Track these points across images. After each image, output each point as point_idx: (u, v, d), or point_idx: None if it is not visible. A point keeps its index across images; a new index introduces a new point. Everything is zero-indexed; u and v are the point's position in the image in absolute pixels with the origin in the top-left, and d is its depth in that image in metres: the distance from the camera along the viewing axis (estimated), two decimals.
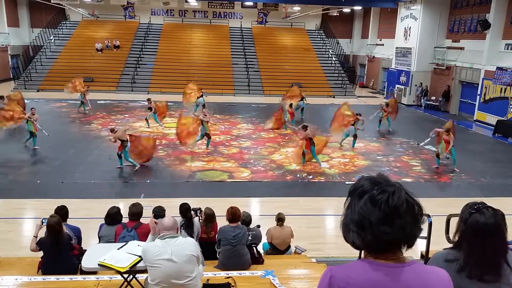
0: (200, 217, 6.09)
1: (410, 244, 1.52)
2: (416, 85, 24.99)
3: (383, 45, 30.94)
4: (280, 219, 6.44)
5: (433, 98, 24.14)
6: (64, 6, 30.93)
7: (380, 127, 17.57)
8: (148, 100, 17.41)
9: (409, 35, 25.13)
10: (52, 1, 28.59)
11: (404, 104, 24.62)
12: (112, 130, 11.70)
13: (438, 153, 12.31)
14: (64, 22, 32.74)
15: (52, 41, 30.41)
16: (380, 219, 1.46)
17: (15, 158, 12.49)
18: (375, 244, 1.48)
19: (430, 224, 4.28)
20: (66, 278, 4.63)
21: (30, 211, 9.15)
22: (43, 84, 25.90)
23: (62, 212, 5.53)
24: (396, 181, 1.55)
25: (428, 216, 3.89)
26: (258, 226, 6.43)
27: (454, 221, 2.41)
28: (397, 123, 17.73)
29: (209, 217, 5.99)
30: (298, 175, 11.68)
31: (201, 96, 19.65)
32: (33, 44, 31.63)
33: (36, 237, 5.06)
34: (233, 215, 5.42)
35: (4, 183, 10.43)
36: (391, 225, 1.46)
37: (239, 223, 5.48)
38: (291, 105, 18.02)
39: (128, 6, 33.06)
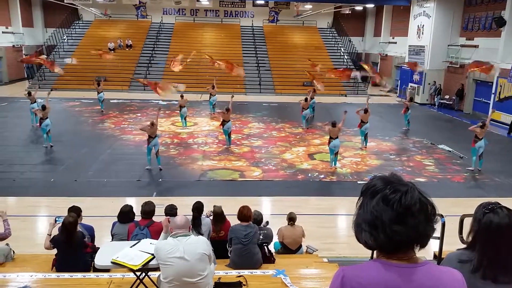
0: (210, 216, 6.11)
1: (423, 244, 1.51)
2: (429, 84, 24.74)
3: (395, 43, 30.67)
4: (291, 219, 6.43)
5: (447, 96, 23.86)
6: (77, 6, 31.26)
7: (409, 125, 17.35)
8: (181, 96, 17.00)
9: (422, 33, 24.87)
10: (65, 1, 28.91)
11: (418, 103, 24.38)
12: (152, 124, 11.44)
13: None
14: (77, 22, 33.08)
15: (65, 40, 30.74)
16: (392, 218, 1.45)
17: (30, 157, 12.67)
18: (387, 244, 1.47)
19: (443, 224, 4.24)
20: (79, 275, 4.69)
21: (44, 209, 9.28)
22: (56, 83, 26.18)
23: (76, 212, 5.60)
24: (409, 181, 1.54)
25: (441, 216, 3.84)
26: (267, 223, 6.44)
27: (467, 222, 2.39)
28: (411, 122, 17.54)
29: (218, 215, 6.00)
30: (309, 175, 11.65)
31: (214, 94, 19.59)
32: (46, 44, 32.02)
33: (50, 235, 5.13)
34: (244, 214, 5.42)
35: (19, 181, 10.59)
36: (404, 224, 1.45)
37: (251, 222, 5.49)
38: (306, 99, 17.66)
39: (140, 5, 33.29)
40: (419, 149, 14.49)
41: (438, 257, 4.35)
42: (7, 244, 5.87)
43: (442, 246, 4.27)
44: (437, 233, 2.52)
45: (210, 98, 19.53)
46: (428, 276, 1.48)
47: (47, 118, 13.25)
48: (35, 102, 15.95)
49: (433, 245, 4.73)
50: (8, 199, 9.51)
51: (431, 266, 1.52)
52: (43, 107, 13.29)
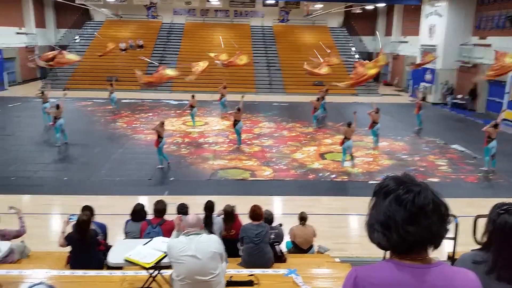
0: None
1: (437, 245, 1.51)
2: (441, 83, 24.50)
3: (407, 42, 30.43)
4: (302, 218, 6.43)
5: (460, 96, 23.60)
6: (88, 6, 31.54)
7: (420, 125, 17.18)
8: (192, 96, 17.12)
9: (434, 32, 24.64)
10: (76, 2, 29.19)
11: (430, 103, 24.18)
12: (162, 124, 11.74)
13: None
14: (89, 22, 33.37)
15: (77, 41, 31.05)
16: (405, 219, 1.45)
17: (43, 156, 12.83)
18: (400, 244, 1.47)
19: (456, 225, 4.21)
20: (93, 272, 4.75)
21: (58, 207, 9.40)
22: (68, 83, 26.46)
23: (89, 211, 5.67)
24: (421, 181, 1.54)
25: (455, 216, 3.82)
26: (280, 225, 6.44)
27: (482, 222, 2.37)
28: (423, 121, 17.39)
29: (229, 214, 6.01)
30: (320, 174, 11.62)
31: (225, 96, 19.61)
32: (59, 44, 32.32)
33: (64, 233, 5.20)
34: (256, 213, 5.44)
35: (33, 180, 10.74)
36: (417, 225, 1.44)
37: (262, 221, 5.50)
38: (318, 98, 17.61)
39: (151, 6, 33.46)
40: (432, 149, 14.37)
41: (451, 258, 4.33)
42: (22, 241, 5.97)
43: (456, 247, 4.25)
44: (450, 234, 2.51)
45: (221, 98, 19.55)
46: (442, 277, 1.48)
47: (61, 117, 13.41)
48: (47, 102, 16.15)
49: (446, 246, 4.71)
50: (22, 197, 9.65)
51: (445, 267, 1.52)
52: (57, 107, 13.44)
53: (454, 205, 1.75)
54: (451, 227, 1.55)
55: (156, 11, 33.89)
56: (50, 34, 33.94)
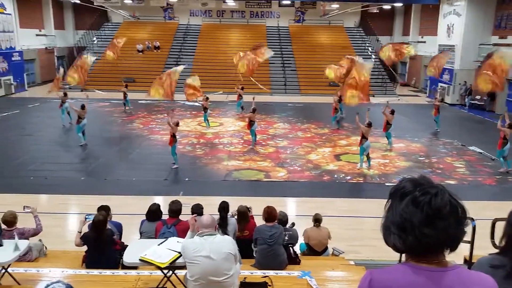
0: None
1: (453, 248, 1.48)
2: (459, 84, 24.13)
3: (425, 42, 30.06)
4: (317, 220, 6.39)
5: (478, 97, 23.20)
6: (106, 8, 31.98)
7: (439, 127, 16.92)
8: (206, 98, 17.18)
9: (452, 32, 24.29)
10: (94, 4, 29.61)
11: (448, 103, 23.84)
12: (177, 124, 11.87)
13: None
14: (106, 24, 33.82)
15: (95, 42, 31.49)
16: (422, 221, 1.43)
17: (61, 156, 13.04)
18: (417, 247, 1.45)
19: (474, 228, 4.13)
20: (108, 272, 4.80)
21: (75, 207, 9.53)
22: (86, 84, 26.77)
23: (106, 210, 5.73)
24: (439, 183, 1.51)
25: (472, 219, 3.75)
26: (293, 225, 6.42)
27: (500, 226, 2.32)
28: (441, 123, 17.13)
29: (242, 215, 6.00)
30: (335, 176, 11.55)
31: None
32: (77, 46, 32.89)
33: (80, 232, 5.27)
34: (270, 214, 5.42)
35: (51, 180, 10.92)
36: (434, 227, 1.42)
37: (276, 222, 5.48)
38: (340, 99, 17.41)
39: (167, 7, 33.77)
40: (449, 151, 14.16)
41: (468, 262, 4.25)
42: (40, 240, 6.07)
43: (473, 250, 4.17)
44: (467, 237, 2.46)
45: (239, 99, 19.57)
46: (459, 281, 1.45)
47: (84, 118, 13.65)
48: (66, 102, 16.42)
49: (463, 249, 4.63)
50: (40, 197, 9.81)
51: (462, 270, 1.49)
52: (83, 107, 13.74)
53: (472, 207, 1.71)
54: (468, 230, 1.52)
55: (173, 12, 34.18)
56: (69, 35, 34.53)
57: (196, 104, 18.65)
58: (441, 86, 25.13)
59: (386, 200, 1.56)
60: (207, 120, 17.21)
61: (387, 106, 14.11)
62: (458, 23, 23.61)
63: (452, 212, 1.45)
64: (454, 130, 17.33)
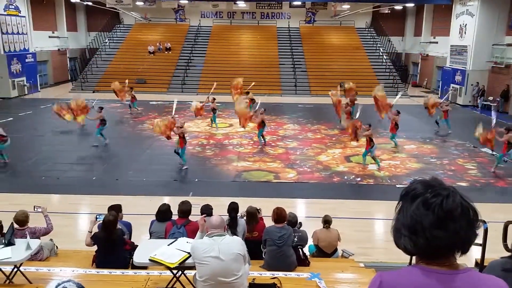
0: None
1: (465, 250, 1.46)
2: (472, 85, 23.85)
3: (437, 43, 29.80)
4: (326, 222, 6.36)
5: (491, 98, 22.91)
6: (118, 10, 32.25)
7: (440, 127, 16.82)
8: (213, 99, 17.36)
9: (465, 32, 24.03)
10: (107, 6, 29.89)
11: (460, 105, 23.58)
12: (181, 126, 11.99)
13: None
14: (118, 26, 34.11)
15: (107, 44, 31.77)
16: (433, 223, 1.41)
17: (73, 156, 13.16)
18: (427, 249, 1.44)
19: (485, 231, 4.08)
20: (118, 272, 4.83)
21: (86, 207, 9.61)
22: (98, 85, 27.08)
23: (117, 210, 5.77)
24: (450, 185, 1.49)
25: (484, 222, 3.70)
26: (300, 225, 6.40)
27: None
28: (452, 124, 16.97)
29: (251, 215, 5.99)
30: (345, 177, 11.49)
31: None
32: (89, 47, 33.20)
33: (91, 232, 5.31)
34: (279, 215, 5.40)
35: (62, 180, 11.02)
36: (445, 229, 1.41)
37: (285, 224, 5.47)
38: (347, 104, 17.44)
39: (179, 9, 33.96)
40: (461, 152, 14.00)
41: (480, 265, 4.20)
42: (51, 240, 6.14)
43: (485, 253, 4.11)
44: (479, 240, 2.42)
45: (251, 103, 19.53)
46: (470, 284, 1.43)
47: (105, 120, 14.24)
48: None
49: (474, 252, 4.57)
50: (52, 197, 9.91)
51: (473, 273, 1.47)
52: (101, 109, 14.31)
53: (483, 210, 1.69)
54: (479, 232, 1.49)
55: (184, 14, 34.35)
56: (81, 37, 34.89)
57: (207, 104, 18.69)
58: (453, 87, 24.89)
59: (397, 202, 1.54)
60: (215, 122, 17.26)
61: (390, 111, 14.13)
62: (471, 23, 23.35)
63: (464, 214, 1.43)
64: (466, 132, 17.10)
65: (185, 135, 12.04)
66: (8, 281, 4.48)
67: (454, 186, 1.49)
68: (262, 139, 14.57)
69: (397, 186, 10.58)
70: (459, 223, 1.41)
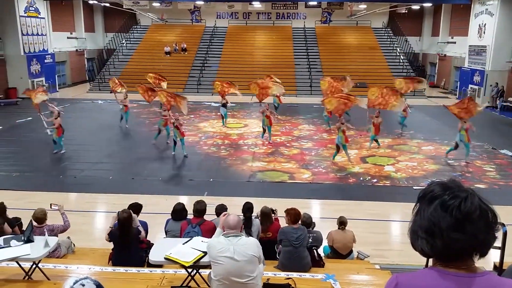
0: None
1: (483, 253, 1.44)
2: (491, 85, 23.43)
3: (455, 43, 29.37)
4: (342, 223, 6.32)
5: (510, 99, 22.49)
6: (135, 11, 32.60)
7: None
8: (223, 99, 17.68)
9: (484, 32, 23.63)
10: (124, 7, 30.24)
11: None
12: (177, 118, 13.20)
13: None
14: (135, 27, 34.48)
15: (124, 45, 32.14)
16: (451, 225, 1.39)
17: (90, 155, 13.34)
18: (445, 252, 1.42)
19: (504, 234, 4.00)
20: (134, 270, 4.87)
21: (102, 205, 9.74)
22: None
23: (135, 208, 5.83)
24: (468, 187, 1.47)
25: (503, 225, 3.63)
26: (314, 225, 6.37)
27: None
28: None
29: (265, 215, 5.98)
30: (361, 178, 11.40)
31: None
32: (106, 48, 33.62)
33: (112, 227, 5.37)
34: (297, 216, 5.39)
35: (79, 178, 11.18)
36: (463, 232, 1.39)
37: (300, 224, 5.45)
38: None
39: (195, 10, 34.18)
40: (479, 154, 13.77)
41: (498, 268, 4.13)
42: (68, 237, 6.23)
43: (504, 257, 4.04)
44: (497, 243, 2.38)
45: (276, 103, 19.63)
46: (488, 287, 1.41)
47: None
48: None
49: (493, 255, 4.49)
50: (69, 195, 10.07)
51: (492, 277, 1.45)
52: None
53: (503, 213, 1.66)
54: (498, 235, 1.47)
55: (200, 15, 34.54)
56: (99, 38, 35.37)
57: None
58: (471, 87, 24.50)
59: (414, 204, 1.53)
60: (226, 118, 17.62)
61: (373, 115, 13.95)
62: (491, 23, 22.95)
63: (482, 216, 1.41)
64: (484, 133, 16.81)
65: (181, 126, 13.14)
66: (27, 277, 4.57)
67: (472, 188, 1.47)
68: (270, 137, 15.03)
69: (414, 188, 10.45)
70: (477, 225, 1.39)
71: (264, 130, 15.21)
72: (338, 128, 12.34)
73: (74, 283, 1.78)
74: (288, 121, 18.73)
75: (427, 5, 29.60)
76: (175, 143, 13.14)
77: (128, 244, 5.18)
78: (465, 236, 1.38)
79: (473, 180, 11.16)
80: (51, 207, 5.70)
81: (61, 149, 13.33)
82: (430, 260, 1.52)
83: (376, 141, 14.23)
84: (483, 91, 23.63)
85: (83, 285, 1.78)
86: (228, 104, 17.87)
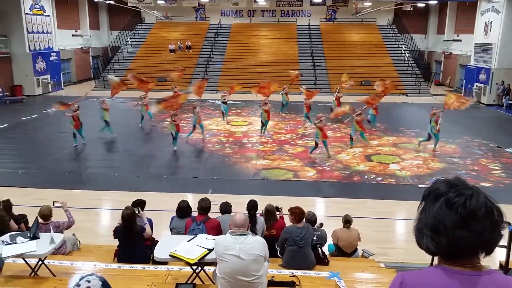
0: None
1: (489, 251, 1.44)
2: (497, 84, 23.28)
3: (460, 40, 29.21)
4: (347, 221, 6.31)
5: None
6: (140, 9, 32.64)
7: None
8: (223, 96, 17.84)
9: (490, 30, 23.47)
10: (128, 5, 30.29)
11: (484, 104, 23.07)
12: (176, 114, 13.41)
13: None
14: (140, 24, 34.51)
15: (128, 42, 32.19)
16: (456, 223, 1.39)
17: (94, 152, 13.40)
18: (450, 250, 1.42)
19: (510, 233, 3.99)
20: (139, 267, 4.90)
21: (107, 202, 9.78)
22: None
23: (139, 205, 5.84)
24: (474, 185, 1.47)
25: (509, 223, 3.62)
26: (321, 225, 6.36)
27: None
28: (476, 123, 16.60)
29: (269, 213, 5.98)
30: (366, 176, 11.38)
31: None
32: (111, 46, 33.69)
33: (120, 223, 5.39)
34: (299, 215, 5.39)
35: (84, 175, 11.23)
36: (468, 229, 1.38)
37: (304, 222, 5.45)
38: None
39: (199, 8, 34.17)
40: (485, 152, 13.70)
41: (505, 267, 4.11)
42: (73, 234, 6.27)
43: (510, 256, 4.02)
44: (503, 241, 2.37)
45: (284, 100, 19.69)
46: (494, 286, 1.41)
47: None
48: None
49: (499, 254, 4.47)
50: (74, 192, 10.11)
51: (498, 275, 1.44)
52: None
53: (508, 211, 1.65)
54: (504, 234, 1.46)
55: (204, 12, 34.54)
56: (104, 35, 35.47)
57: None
58: (477, 86, 24.36)
59: (419, 202, 1.53)
60: (227, 114, 17.78)
61: (358, 113, 13.94)
62: (497, 20, 22.79)
63: (488, 214, 1.40)
64: (490, 131, 16.75)
65: (179, 121, 13.52)
66: (33, 273, 4.60)
67: (477, 186, 1.46)
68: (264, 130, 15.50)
69: (419, 186, 10.42)
70: (483, 223, 1.39)
71: (263, 124, 15.39)
72: (316, 123, 12.68)
73: (80, 280, 1.79)
74: (293, 119, 18.71)
75: (433, 2, 29.43)
76: (173, 137, 13.40)
77: (132, 241, 5.20)
78: (471, 234, 1.38)
79: (479, 179, 11.11)
80: (53, 205, 5.73)
81: (83, 140, 13.96)
82: (435, 258, 1.52)
83: (363, 136, 14.29)
84: (489, 90, 23.49)
85: (89, 281, 1.79)
86: (227, 101, 17.97)
